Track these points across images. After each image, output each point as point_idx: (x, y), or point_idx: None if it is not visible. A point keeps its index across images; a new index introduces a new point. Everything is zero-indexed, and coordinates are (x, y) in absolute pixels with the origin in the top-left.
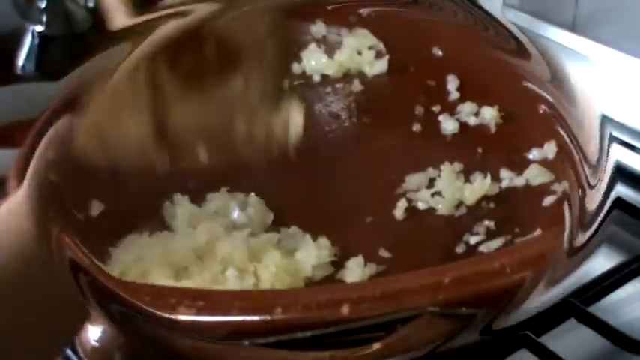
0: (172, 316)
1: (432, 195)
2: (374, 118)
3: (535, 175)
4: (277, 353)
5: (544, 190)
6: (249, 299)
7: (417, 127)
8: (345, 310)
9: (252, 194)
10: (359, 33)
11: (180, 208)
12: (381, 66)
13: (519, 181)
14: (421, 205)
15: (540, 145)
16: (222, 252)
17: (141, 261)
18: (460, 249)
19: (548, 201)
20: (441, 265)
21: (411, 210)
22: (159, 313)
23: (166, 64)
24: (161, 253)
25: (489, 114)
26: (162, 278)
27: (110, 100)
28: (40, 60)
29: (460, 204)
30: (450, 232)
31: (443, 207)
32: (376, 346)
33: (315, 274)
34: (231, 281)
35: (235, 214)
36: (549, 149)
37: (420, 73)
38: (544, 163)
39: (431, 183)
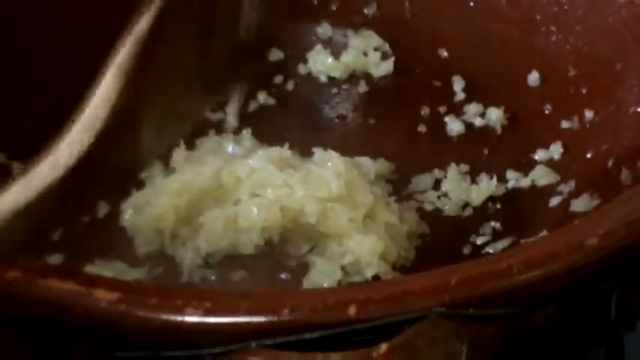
0: (180, 319)
1: (439, 196)
2: (380, 119)
3: (541, 176)
4: (284, 355)
5: (550, 190)
6: (256, 300)
7: (422, 128)
8: (352, 311)
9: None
10: (365, 34)
11: (176, 153)
12: (386, 67)
13: (525, 182)
14: (427, 206)
15: (546, 146)
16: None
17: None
18: (467, 250)
19: (554, 202)
20: (447, 266)
21: (418, 211)
22: (164, 316)
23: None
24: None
25: (495, 115)
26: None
27: None
28: None
29: (466, 205)
30: (456, 233)
31: (449, 208)
32: (383, 347)
33: None
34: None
35: (230, 148)
36: (555, 150)
37: (425, 74)
38: (550, 163)
39: (437, 184)
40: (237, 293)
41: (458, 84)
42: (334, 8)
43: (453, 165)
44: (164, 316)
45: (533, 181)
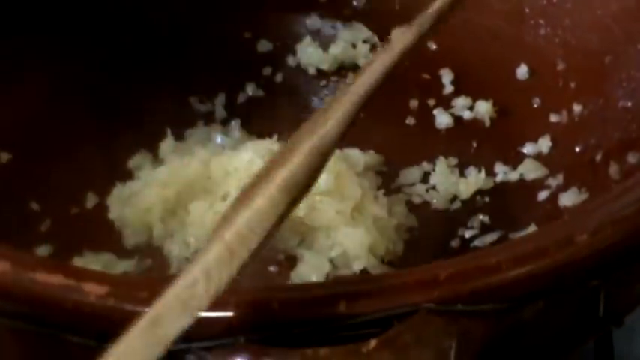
0: None
1: (427, 189)
2: (368, 111)
3: (529, 170)
4: (273, 350)
5: (538, 184)
6: (244, 294)
7: (411, 121)
8: (342, 306)
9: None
10: (354, 26)
11: (164, 144)
12: None
13: (514, 176)
14: (416, 200)
15: (535, 140)
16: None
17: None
18: (455, 243)
19: (542, 195)
20: (436, 262)
21: (406, 204)
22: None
23: None
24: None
25: (484, 108)
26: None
27: None
28: None
29: (455, 198)
30: (444, 226)
31: (437, 201)
32: (372, 342)
33: None
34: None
35: (218, 139)
36: (544, 143)
37: (414, 67)
38: (538, 157)
39: (425, 177)
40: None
41: (447, 77)
42: (323, 0)
43: (441, 158)
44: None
45: (521, 174)
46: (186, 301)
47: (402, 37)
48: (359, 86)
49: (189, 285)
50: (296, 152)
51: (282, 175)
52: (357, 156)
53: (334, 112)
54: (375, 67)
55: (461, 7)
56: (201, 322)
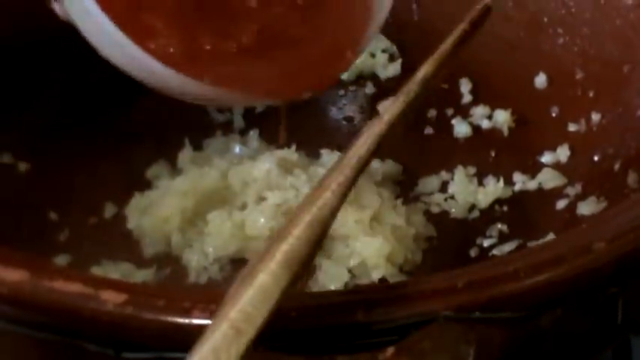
0: (186, 321)
1: (445, 198)
2: None
3: (548, 179)
4: (291, 358)
5: (557, 193)
6: None
7: (429, 130)
8: (360, 314)
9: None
10: None
11: (182, 154)
12: (394, 69)
13: (532, 185)
14: (434, 209)
15: (553, 149)
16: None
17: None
18: (473, 252)
19: (561, 204)
20: (454, 270)
21: (425, 213)
22: (171, 318)
23: None
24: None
25: (502, 117)
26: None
27: None
28: None
29: (473, 207)
30: (463, 235)
31: (456, 210)
32: (390, 350)
33: None
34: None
35: (237, 149)
36: (562, 152)
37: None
38: (557, 166)
39: (444, 186)
40: None
41: (465, 86)
42: None
43: (460, 167)
44: (171, 318)
45: (540, 183)
46: None
47: (390, 108)
48: (352, 158)
49: None
50: (296, 225)
51: (282, 250)
52: (376, 165)
53: (330, 183)
54: (366, 138)
55: (445, 71)
56: None
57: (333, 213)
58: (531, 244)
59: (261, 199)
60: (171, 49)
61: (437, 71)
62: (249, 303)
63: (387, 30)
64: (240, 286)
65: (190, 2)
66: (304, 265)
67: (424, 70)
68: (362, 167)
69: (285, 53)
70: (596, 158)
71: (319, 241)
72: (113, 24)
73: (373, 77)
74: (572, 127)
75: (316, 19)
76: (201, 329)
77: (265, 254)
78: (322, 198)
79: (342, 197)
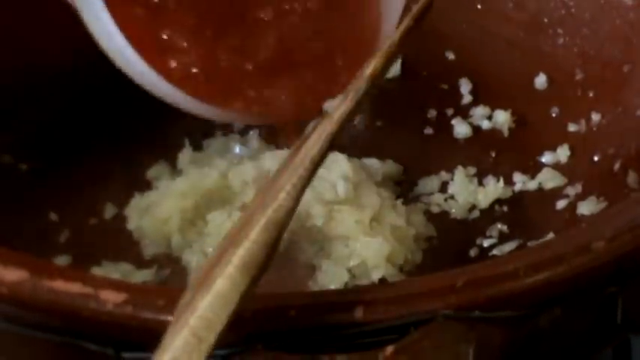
0: None
1: (445, 199)
2: (387, 121)
3: (548, 179)
4: (291, 357)
5: (557, 193)
6: (262, 301)
7: (429, 131)
8: (359, 312)
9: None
10: None
11: (182, 154)
12: (394, 70)
13: (532, 185)
14: (434, 209)
15: (553, 149)
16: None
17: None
18: (473, 252)
19: (561, 204)
20: (453, 269)
21: (425, 213)
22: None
23: None
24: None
25: (502, 117)
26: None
27: None
28: None
29: (473, 207)
30: (463, 235)
31: (456, 210)
32: (389, 349)
33: None
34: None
35: (237, 149)
36: (562, 153)
37: (432, 77)
38: (557, 166)
39: (444, 186)
40: None
41: (465, 86)
42: None
43: (460, 167)
44: (171, 318)
45: (540, 183)
46: None
47: (339, 107)
48: (305, 158)
49: None
50: (252, 228)
51: (239, 254)
52: (376, 165)
53: (284, 184)
54: (318, 138)
55: (393, 67)
56: None
57: (288, 214)
58: (531, 244)
59: None
60: (193, 70)
61: (384, 67)
62: (209, 309)
63: None
64: (197, 292)
65: (211, 21)
66: (261, 269)
67: (372, 67)
68: (315, 168)
69: (301, 70)
70: (596, 158)
71: (275, 243)
72: (133, 50)
73: None
74: (572, 128)
75: (330, 28)
76: None
77: (221, 258)
78: (277, 200)
79: (297, 198)
